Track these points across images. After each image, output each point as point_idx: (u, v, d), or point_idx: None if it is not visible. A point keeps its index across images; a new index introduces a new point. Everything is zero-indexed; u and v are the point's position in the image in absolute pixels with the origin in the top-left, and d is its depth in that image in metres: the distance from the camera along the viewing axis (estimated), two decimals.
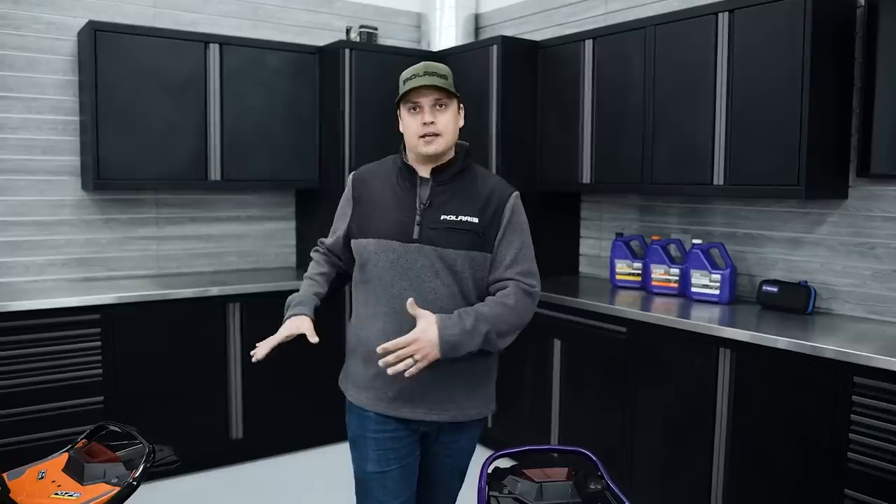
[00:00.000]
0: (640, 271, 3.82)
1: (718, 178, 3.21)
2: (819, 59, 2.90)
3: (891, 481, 2.43)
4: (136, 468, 1.97)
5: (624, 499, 1.89)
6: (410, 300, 1.92)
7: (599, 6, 4.15)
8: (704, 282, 3.44)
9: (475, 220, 2.04)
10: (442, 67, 2.06)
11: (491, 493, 1.93)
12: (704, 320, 3.04)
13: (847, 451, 2.54)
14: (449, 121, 2.05)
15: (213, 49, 3.96)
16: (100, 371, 3.52)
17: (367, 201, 2.12)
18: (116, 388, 3.55)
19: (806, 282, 3.22)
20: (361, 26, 4.63)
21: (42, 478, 1.96)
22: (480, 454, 2.20)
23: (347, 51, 4.14)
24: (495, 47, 3.98)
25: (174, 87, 3.86)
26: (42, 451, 2.29)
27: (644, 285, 3.76)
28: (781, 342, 2.71)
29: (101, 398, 3.52)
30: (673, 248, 3.72)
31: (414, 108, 2.04)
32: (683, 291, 3.56)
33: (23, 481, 1.95)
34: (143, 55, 3.77)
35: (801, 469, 2.68)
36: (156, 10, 4.13)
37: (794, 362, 2.68)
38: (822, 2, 2.88)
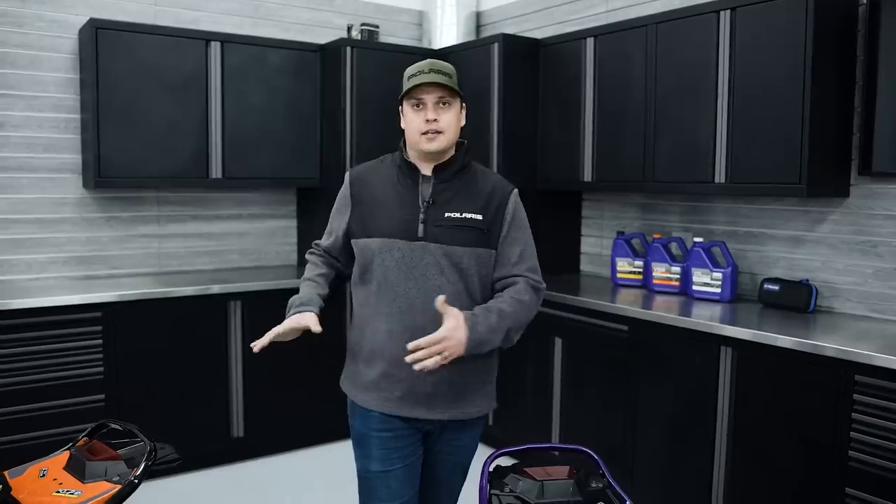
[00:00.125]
0: (641, 269, 3.81)
1: (720, 177, 3.21)
2: (820, 56, 2.90)
3: (892, 480, 2.43)
4: (138, 466, 1.97)
5: (625, 497, 1.89)
6: (441, 297, 1.91)
7: (600, 4, 4.14)
8: (706, 280, 3.44)
9: (479, 216, 2.05)
10: (447, 66, 2.06)
11: (492, 491, 1.94)
12: (706, 319, 3.04)
13: (848, 450, 2.53)
14: (452, 119, 2.05)
15: (215, 47, 3.96)
16: (101, 369, 3.52)
17: (368, 200, 2.11)
18: (117, 386, 3.56)
19: (807, 280, 3.22)
20: (363, 24, 4.63)
21: (43, 476, 1.96)
22: (482, 453, 2.21)
23: (349, 49, 4.14)
24: (496, 45, 3.98)
25: (175, 84, 3.86)
26: (43, 449, 2.29)
27: (645, 284, 3.76)
28: (783, 340, 2.70)
29: (103, 396, 3.52)
30: (674, 247, 3.71)
31: (417, 105, 2.04)
32: (685, 290, 3.56)
33: (24, 479, 1.95)
34: (144, 53, 3.77)
35: (802, 467, 2.68)
36: (157, 7, 4.13)
37: (795, 361, 2.68)
38: None
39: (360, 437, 2.12)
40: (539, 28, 4.50)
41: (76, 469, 1.97)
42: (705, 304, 3.38)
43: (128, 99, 3.74)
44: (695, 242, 3.53)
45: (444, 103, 2.03)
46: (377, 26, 4.69)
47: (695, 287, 3.48)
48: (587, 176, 3.84)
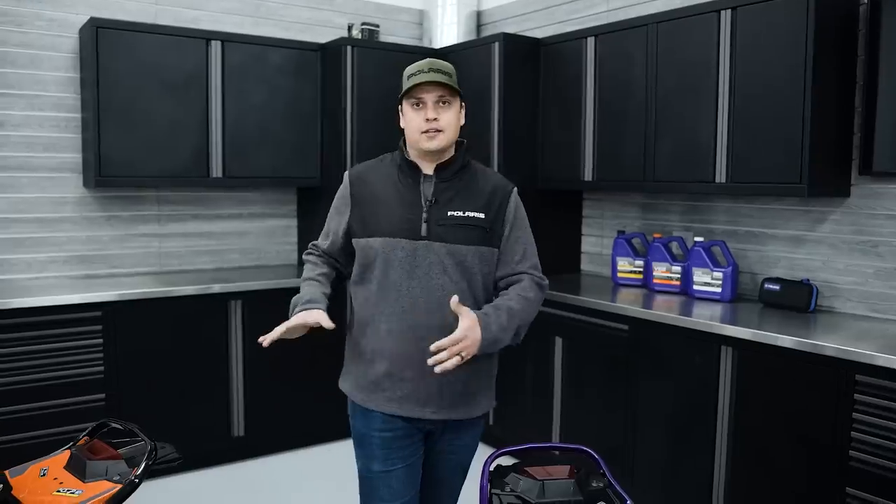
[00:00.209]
0: (641, 269, 3.81)
1: (720, 176, 3.21)
2: (821, 56, 2.89)
3: (892, 479, 2.43)
4: (138, 465, 1.97)
5: (626, 496, 1.89)
6: (455, 297, 1.91)
7: (601, 3, 4.14)
8: (706, 279, 3.44)
9: (482, 215, 2.06)
10: (446, 65, 2.06)
11: (493, 491, 1.93)
12: (706, 318, 3.04)
13: (849, 450, 2.53)
14: (452, 117, 2.05)
15: (215, 46, 3.96)
16: (101, 368, 3.52)
17: (369, 199, 2.10)
18: (118, 385, 3.56)
19: (808, 280, 3.22)
20: (363, 23, 4.63)
21: (44, 475, 1.96)
22: (482, 452, 2.21)
23: (349, 48, 4.14)
24: (497, 45, 3.98)
25: (176, 84, 3.86)
26: (44, 449, 2.29)
27: (646, 283, 3.76)
28: (783, 340, 2.70)
29: (103, 395, 3.52)
30: (675, 246, 3.71)
31: (417, 104, 2.04)
32: (685, 289, 3.56)
33: (25, 478, 1.95)
34: (144, 52, 3.76)
35: (802, 467, 2.68)
36: (157, 7, 4.13)
37: (795, 360, 2.68)
38: None
39: (361, 437, 2.12)
40: (540, 27, 4.50)
41: (77, 468, 1.97)
42: (706, 303, 3.38)
43: (128, 98, 3.74)
44: (695, 242, 3.53)
45: (443, 102, 2.03)
46: (378, 25, 4.69)
47: (695, 287, 3.48)
48: (588, 175, 3.84)
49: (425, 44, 4.88)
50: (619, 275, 3.90)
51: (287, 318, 2.00)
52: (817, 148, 2.92)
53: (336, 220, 2.17)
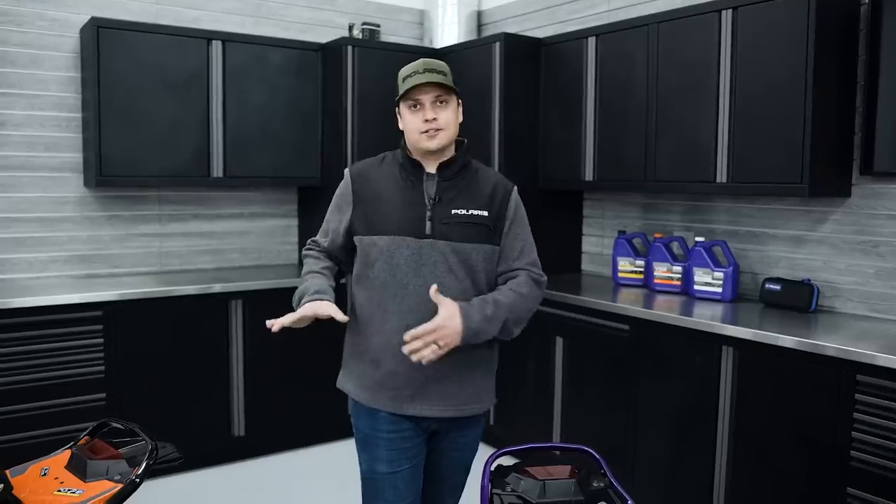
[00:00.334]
0: (642, 269, 3.81)
1: (721, 176, 3.20)
2: (822, 56, 2.89)
3: (893, 479, 2.42)
4: (139, 465, 1.97)
5: (627, 496, 1.89)
6: (434, 287, 1.92)
7: (602, 3, 4.14)
8: (707, 280, 3.44)
9: (485, 213, 2.06)
10: (440, 64, 2.07)
11: (494, 490, 1.94)
12: (707, 318, 3.04)
13: (850, 450, 2.53)
14: (450, 116, 2.05)
15: (216, 46, 3.96)
16: (102, 368, 3.52)
17: (371, 197, 2.09)
18: (119, 384, 3.56)
19: (809, 280, 3.22)
20: (364, 23, 4.63)
21: (45, 475, 1.96)
22: (483, 452, 2.21)
23: (350, 48, 4.14)
24: (498, 44, 3.98)
25: (177, 83, 3.86)
26: (45, 448, 2.29)
27: (646, 283, 3.76)
28: (784, 340, 2.70)
29: (104, 395, 3.52)
30: (675, 246, 3.71)
31: (415, 106, 2.04)
32: (686, 289, 3.56)
33: (25, 478, 1.95)
34: (145, 52, 3.77)
35: (803, 467, 2.67)
36: (158, 6, 4.13)
37: (796, 360, 2.68)
38: None
39: (366, 439, 2.10)
40: (540, 27, 4.50)
41: (78, 468, 1.97)
42: (706, 303, 3.37)
43: (129, 98, 3.74)
44: (696, 242, 3.52)
45: (441, 101, 2.04)
46: (378, 25, 4.69)
47: (696, 287, 3.47)
48: (588, 175, 3.84)
49: (426, 44, 4.88)
50: (620, 275, 3.90)
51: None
52: (818, 148, 2.92)
53: (337, 217, 2.16)
